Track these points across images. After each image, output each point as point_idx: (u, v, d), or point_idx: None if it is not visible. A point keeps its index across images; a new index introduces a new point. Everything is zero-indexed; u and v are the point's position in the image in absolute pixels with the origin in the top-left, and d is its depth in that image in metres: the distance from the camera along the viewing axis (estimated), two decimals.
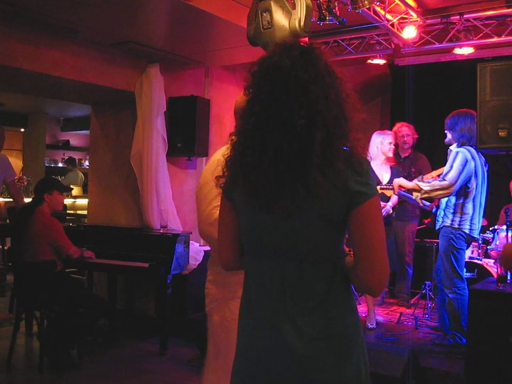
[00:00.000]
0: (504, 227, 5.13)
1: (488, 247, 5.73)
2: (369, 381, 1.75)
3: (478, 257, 5.63)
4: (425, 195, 4.87)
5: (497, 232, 5.59)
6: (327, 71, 1.67)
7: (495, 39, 5.42)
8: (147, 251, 5.47)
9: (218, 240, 1.94)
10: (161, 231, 5.80)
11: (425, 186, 4.83)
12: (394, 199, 5.36)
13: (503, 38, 5.37)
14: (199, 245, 6.23)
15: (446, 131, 5.08)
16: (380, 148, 5.44)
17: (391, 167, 5.52)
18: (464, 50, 5.98)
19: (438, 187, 4.77)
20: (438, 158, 6.18)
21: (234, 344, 1.88)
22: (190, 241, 5.72)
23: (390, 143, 5.48)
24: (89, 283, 6.16)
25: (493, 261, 5.53)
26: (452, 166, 4.78)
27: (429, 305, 5.91)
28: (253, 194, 1.68)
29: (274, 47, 1.74)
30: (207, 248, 6.12)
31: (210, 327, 2.80)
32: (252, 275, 1.80)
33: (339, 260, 1.70)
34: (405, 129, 6.34)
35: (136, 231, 5.97)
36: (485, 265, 5.44)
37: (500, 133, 4.46)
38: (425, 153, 6.64)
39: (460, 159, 4.78)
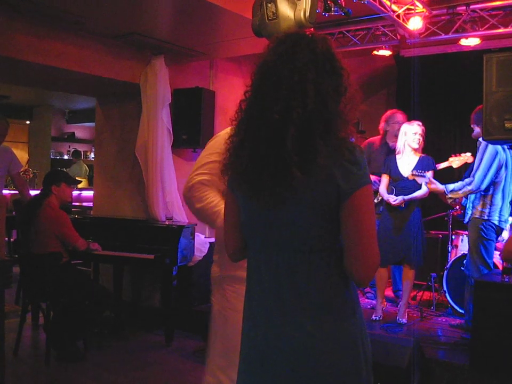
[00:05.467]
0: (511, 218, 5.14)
1: None
2: (371, 374, 1.73)
3: None
4: (455, 197, 4.93)
5: None
6: (314, 65, 1.63)
7: (501, 30, 5.38)
8: (152, 243, 5.48)
9: (224, 231, 1.95)
10: (167, 223, 5.81)
11: (456, 195, 4.87)
12: (424, 190, 5.20)
13: (510, 29, 5.33)
14: (204, 237, 6.24)
15: (472, 125, 5.07)
16: (404, 139, 5.32)
17: (419, 158, 5.30)
18: (470, 41, 5.95)
19: (467, 191, 4.82)
20: (445, 149, 6.17)
21: (230, 331, 1.89)
22: (196, 233, 5.73)
23: (415, 133, 5.26)
24: (95, 275, 6.18)
25: (498, 252, 5.51)
26: (481, 160, 4.79)
27: (435, 296, 5.91)
28: (243, 186, 1.71)
29: (270, 41, 1.74)
30: (213, 240, 6.14)
31: (212, 315, 2.83)
32: (251, 266, 1.81)
33: (336, 250, 1.67)
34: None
35: (141, 223, 5.98)
36: None
37: (506, 124, 4.43)
38: (431, 145, 6.59)
39: (490, 151, 4.79)
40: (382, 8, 5.00)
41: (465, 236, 5.87)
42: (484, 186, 4.78)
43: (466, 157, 5.33)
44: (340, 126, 1.63)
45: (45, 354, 4.78)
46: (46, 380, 4.56)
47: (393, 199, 5.23)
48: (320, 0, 3.83)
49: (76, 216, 6.78)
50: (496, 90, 4.52)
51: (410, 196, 5.21)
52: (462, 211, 5.43)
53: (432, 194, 5.38)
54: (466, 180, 4.85)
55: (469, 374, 4.15)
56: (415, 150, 5.31)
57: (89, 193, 8.98)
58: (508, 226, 5.40)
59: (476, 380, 4.11)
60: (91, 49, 5.56)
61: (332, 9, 4.26)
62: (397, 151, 5.42)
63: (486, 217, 4.83)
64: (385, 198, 5.32)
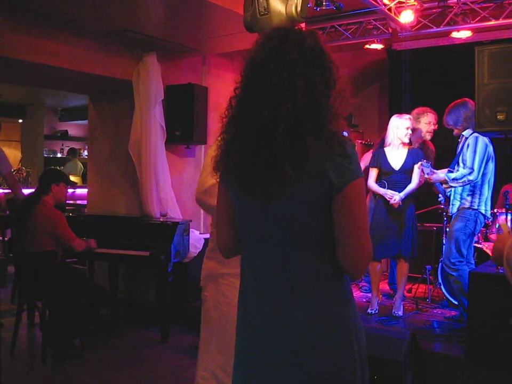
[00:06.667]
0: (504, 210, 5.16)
1: (487, 230, 5.74)
2: (366, 366, 1.74)
3: (477, 241, 5.64)
4: (455, 185, 5.00)
5: (497, 216, 5.60)
6: (303, 60, 1.63)
7: (492, 22, 5.40)
8: (147, 240, 5.48)
9: (216, 226, 1.96)
10: (161, 220, 5.80)
11: (456, 183, 4.92)
12: (415, 182, 5.26)
13: (501, 21, 5.36)
14: (199, 233, 6.23)
15: (451, 127, 5.11)
16: (396, 133, 5.33)
17: (409, 151, 5.33)
18: (462, 34, 5.97)
19: (468, 181, 4.87)
20: (437, 141, 6.17)
21: (227, 326, 1.90)
22: (190, 229, 5.73)
23: (407, 128, 5.28)
24: (90, 273, 6.16)
25: (492, 244, 5.53)
26: (475, 151, 4.86)
27: (430, 289, 5.93)
28: (235, 182, 1.71)
29: (258, 37, 1.73)
30: (208, 236, 6.14)
31: (204, 310, 2.82)
32: (245, 261, 1.81)
33: (329, 243, 1.67)
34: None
35: (136, 220, 5.98)
36: (484, 249, 5.45)
37: (498, 116, 4.46)
38: None
39: (482, 143, 4.88)
40: (374, 2, 5.01)
41: None
42: (480, 176, 4.87)
43: None
44: (331, 120, 1.63)
45: (41, 353, 4.77)
46: (43, 379, 4.55)
47: (392, 198, 5.20)
48: None
49: (70, 214, 6.77)
50: (488, 82, 4.54)
51: (405, 192, 5.22)
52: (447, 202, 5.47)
53: (425, 187, 5.41)
54: (465, 171, 4.87)
55: (464, 365, 4.17)
56: (404, 143, 5.32)
57: (83, 191, 8.96)
58: (501, 218, 5.43)
59: (472, 371, 4.12)
60: (83, 47, 5.54)
61: (324, 3, 4.25)
62: (386, 144, 5.42)
63: (475, 207, 4.94)
64: (381, 192, 5.30)
